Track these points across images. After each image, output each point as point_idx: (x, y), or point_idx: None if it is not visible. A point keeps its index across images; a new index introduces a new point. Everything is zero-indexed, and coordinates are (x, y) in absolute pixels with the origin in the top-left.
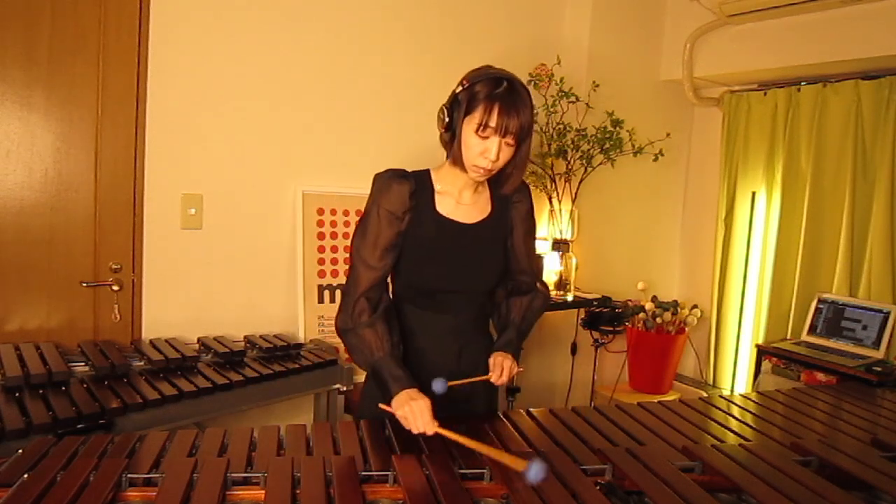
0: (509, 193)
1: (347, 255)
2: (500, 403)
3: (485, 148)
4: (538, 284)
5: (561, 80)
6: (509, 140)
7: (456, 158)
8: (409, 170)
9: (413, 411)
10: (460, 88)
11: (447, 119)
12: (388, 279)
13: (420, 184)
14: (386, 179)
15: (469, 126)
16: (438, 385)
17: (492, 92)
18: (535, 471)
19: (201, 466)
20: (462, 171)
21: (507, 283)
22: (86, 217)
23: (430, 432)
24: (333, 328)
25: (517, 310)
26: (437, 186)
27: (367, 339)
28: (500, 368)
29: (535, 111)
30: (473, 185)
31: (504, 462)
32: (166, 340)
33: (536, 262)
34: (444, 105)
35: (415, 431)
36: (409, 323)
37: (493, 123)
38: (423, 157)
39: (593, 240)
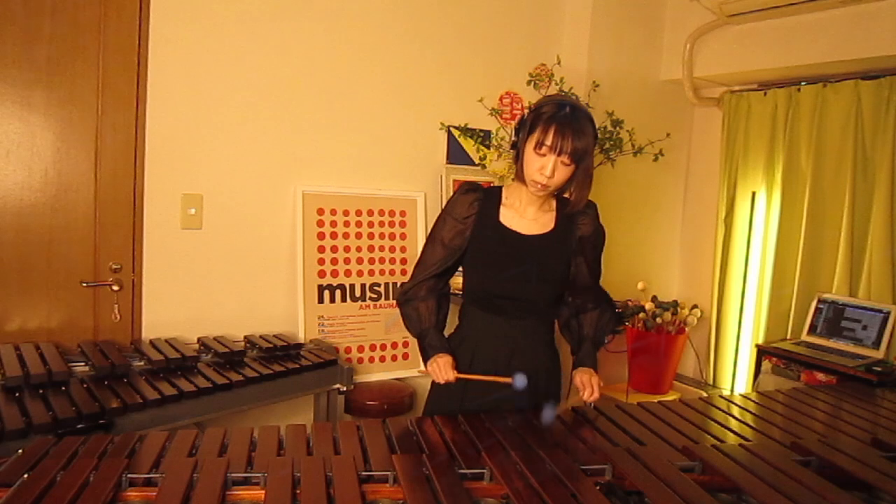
0: (575, 212)
1: (348, 255)
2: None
3: (541, 165)
4: (604, 302)
5: (561, 80)
6: (564, 160)
7: (519, 174)
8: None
9: (438, 365)
10: (528, 111)
11: (514, 138)
12: (456, 279)
13: (489, 195)
14: (459, 190)
15: (529, 144)
16: (520, 381)
17: (553, 114)
18: (519, 380)
19: (201, 466)
20: (525, 187)
21: (572, 301)
22: (86, 217)
23: (452, 379)
24: (333, 328)
25: (589, 324)
26: (504, 200)
27: (420, 310)
28: (589, 386)
29: (596, 137)
30: (538, 201)
31: (498, 381)
32: (166, 340)
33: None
34: (514, 125)
35: (440, 381)
36: (470, 322)
37: (548, 142)
38: (422, 156)
39: None
